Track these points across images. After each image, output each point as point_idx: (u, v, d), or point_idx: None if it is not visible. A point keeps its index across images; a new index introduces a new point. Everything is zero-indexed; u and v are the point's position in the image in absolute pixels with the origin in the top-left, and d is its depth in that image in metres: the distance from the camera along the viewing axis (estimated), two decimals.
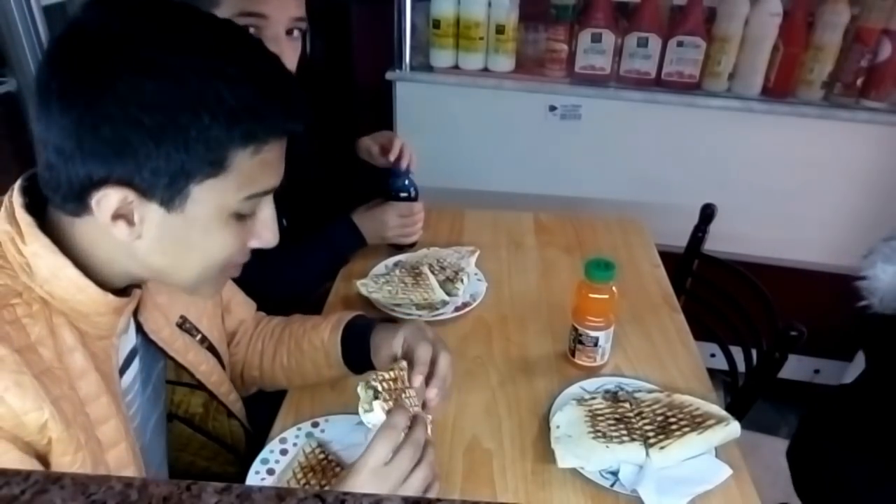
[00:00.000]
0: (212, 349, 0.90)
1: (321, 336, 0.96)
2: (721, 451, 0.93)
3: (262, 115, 0.61)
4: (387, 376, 0.77)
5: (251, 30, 1.01)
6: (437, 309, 1.20)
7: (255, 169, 0.63)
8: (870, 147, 1.88)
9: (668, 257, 1.46)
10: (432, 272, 1.27)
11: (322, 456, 0.89)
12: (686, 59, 1.85)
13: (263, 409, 1.02)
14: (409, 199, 1.35)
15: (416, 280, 1.25)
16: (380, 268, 1.33)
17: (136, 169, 0.58)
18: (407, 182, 1.35)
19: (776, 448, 1.33)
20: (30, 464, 0.59)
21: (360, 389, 0.76)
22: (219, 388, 0.90)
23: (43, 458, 0.61)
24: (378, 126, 2.11)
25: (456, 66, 1.98)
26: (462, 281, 1.26)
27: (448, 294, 1.23)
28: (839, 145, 1.89)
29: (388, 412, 0.73)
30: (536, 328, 1.19)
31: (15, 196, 0.64)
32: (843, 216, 1.99)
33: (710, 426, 0.90)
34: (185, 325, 0.85)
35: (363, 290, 1.22)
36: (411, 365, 0.81)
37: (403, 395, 0.77)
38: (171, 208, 0.61)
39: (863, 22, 1.77)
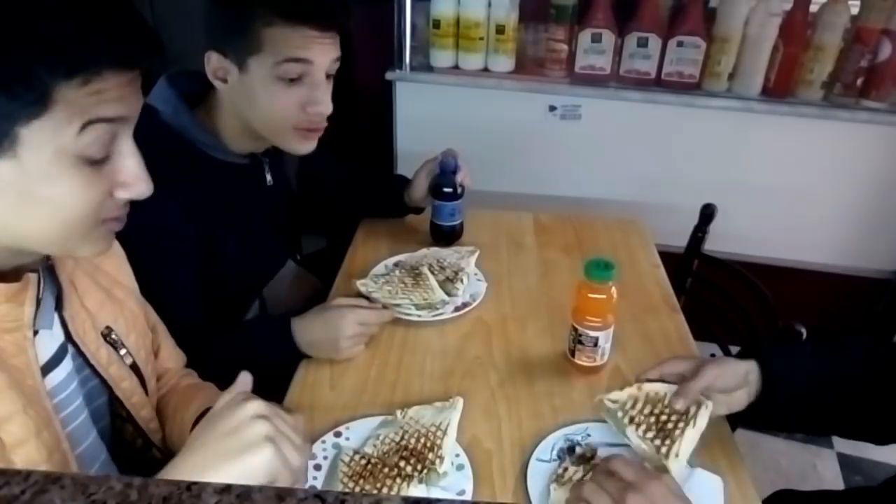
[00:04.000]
0: (135, 368, 0.83)
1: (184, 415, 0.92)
2: (720, 451, 0.93)
3: (85, 44, 0.57)
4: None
5: (297, 74, 1.02)
6: (437, 309, 1.20)
7: (86, 99, 0.58)
8: (870, 147, 1.88)
9: (668, 257, 1.46)
10: (432, 272, 1.27)
11: (364, 462, 0.88)
12: (686, 59, 1.85)
13: None
14: (453, 195, 1.35)
15: (415, 280, 1.25)
16: (380, 268, 1.33)
17: None
18: (454, 178, 1.34)
19: (776, 448, 1.33)
20: None
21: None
22: (139, 410, 0.83)
23: None
24: (378, 126, 2.12)
25: (456, 66, 1.98)
26: (462, 281, 1.26)
27: (448, 294, 1.23)
28: (839, 145, 1.89)
29: None
30: (536, 328, 1.19)
31: None
32: (843, 216, 2.00)
33: (695, 414, 0.87)
34: (109, 337, 0.79)
35: (363, 290, 1.22)
36: None
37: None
38: (1, 156, 0.57)
39: (863, 22, 1.77)
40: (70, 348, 0.74)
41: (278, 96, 1.03)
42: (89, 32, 0.57)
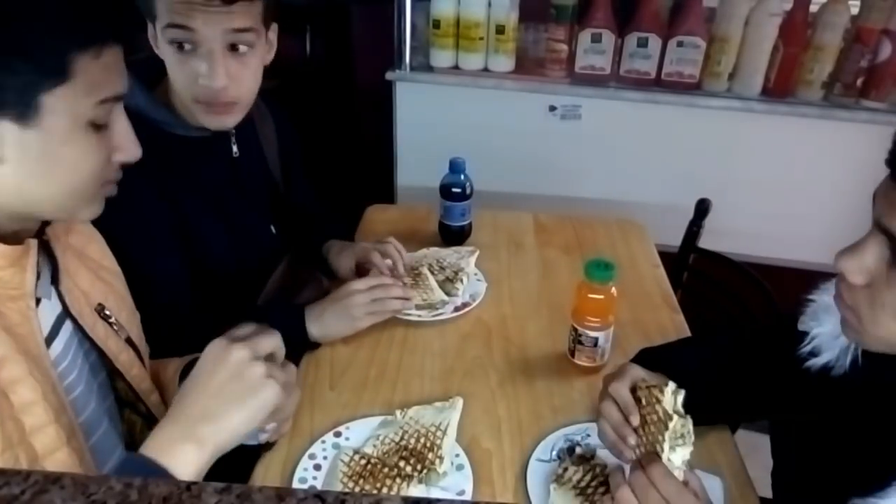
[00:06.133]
0: (131, 343, 0.86)
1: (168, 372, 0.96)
2: (720, 452, 0.93)
3: (95, 18, 0.66)
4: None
5: (185, 45, 0.98)
6: (437, 309, 1.20)
7: (100, 73, 0.66)
8: (870, 147, 1.85)
9: (667, 257, 1.46)
10: (432, 272, 1.27)
11: (364, 462, 0.88)
12: (686, 59, 1.85)
13: None
14: (463, 195, 1.35)
15: (415, 280, 1.25)
16: None
17: None
18: (462, 177, 1.34)
19: None
20: None
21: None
22: (140, 383, 0.86)
23: None
24: (378, 126, 2.12)
25: (456, 67, 1.98)
26: (462, 281, 1.26)
27: (447, 294, 1.23)
28: (839, 145, 1.89)
29: None
30: (536, 328, 1.19)
31: None
32: (843, 216, 1.99)
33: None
34: (102, 313, 0.82)
35: None
36: None
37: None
38: (26, 123, 0.62)
39: (863, 22, 1.77)
40: (68, 322, 0.76)
41: (173, 64, 1.01)
42: (97, 8, 0.66)
